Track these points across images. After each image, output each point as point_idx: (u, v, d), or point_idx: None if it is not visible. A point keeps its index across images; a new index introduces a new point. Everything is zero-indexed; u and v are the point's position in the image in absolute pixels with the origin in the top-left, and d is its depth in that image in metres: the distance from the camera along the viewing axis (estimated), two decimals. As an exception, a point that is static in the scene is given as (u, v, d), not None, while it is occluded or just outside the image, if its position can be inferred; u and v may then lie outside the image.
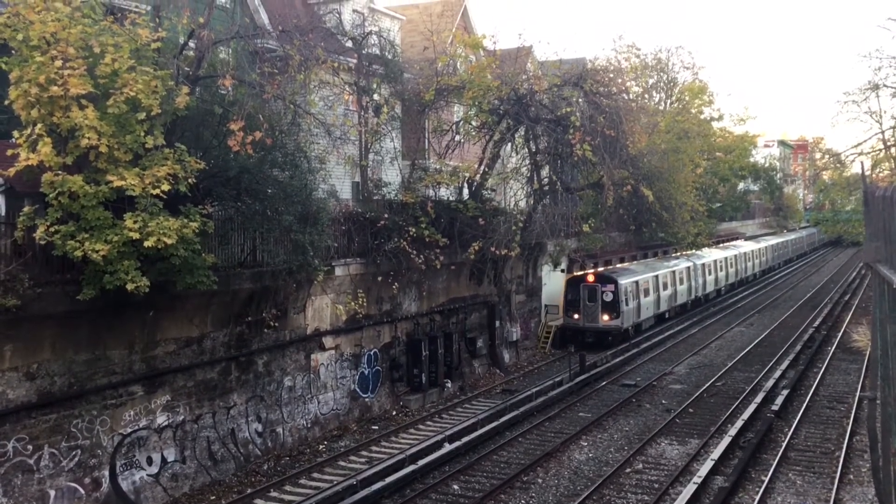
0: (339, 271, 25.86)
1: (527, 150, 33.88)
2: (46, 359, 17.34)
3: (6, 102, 16.21)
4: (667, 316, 48.65)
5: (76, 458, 17.96)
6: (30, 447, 17.01)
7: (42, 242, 16.24)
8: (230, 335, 22.03)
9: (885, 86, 41.23)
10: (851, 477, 21.75)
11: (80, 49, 16.17)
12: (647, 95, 63.78)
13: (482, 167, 33.52)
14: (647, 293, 44.22)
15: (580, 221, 35.33)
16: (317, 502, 19.10)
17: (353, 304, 26.02)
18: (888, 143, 43.79)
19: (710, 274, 56.93)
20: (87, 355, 18.19)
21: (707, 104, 66.46)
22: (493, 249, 30.85)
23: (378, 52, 29.93)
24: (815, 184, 74.02)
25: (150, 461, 19.78)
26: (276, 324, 23.28)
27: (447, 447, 23.56)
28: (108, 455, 18.73)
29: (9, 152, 16.17)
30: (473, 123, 32.81)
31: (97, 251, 15.87)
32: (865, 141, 43.95)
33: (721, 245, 66.18)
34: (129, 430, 19.25)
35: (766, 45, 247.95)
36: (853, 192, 51.34)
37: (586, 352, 36.19)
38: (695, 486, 19.99)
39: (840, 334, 44.02)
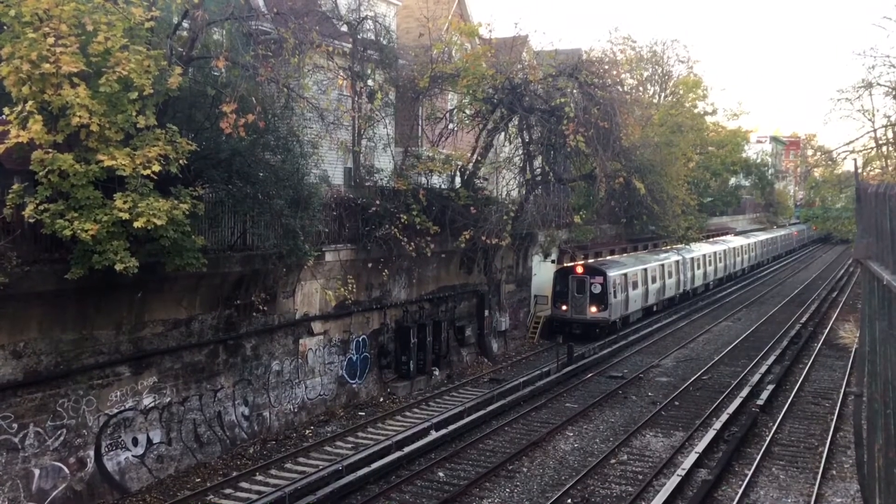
0: (329, 257, 25.81)
1: (520, 139, 33.83)
2: (33, 337, 17.26)
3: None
4: (655, 309, 48.80)
5: (61, 438, 17.91)
6: (15, 426, 16.94)
7: (31, 220, 16.13)
8: (218, 318, 21.97)
9: (878, 84, 41.24)
10: (834, 472, 21.89)
11: (73, 26, 16.01)
12: (641, 88, 63.82)
13: (475, 156, 33.45)
14: (635, 286, 44.31)
15: (572, 212, 35.32)
16: (302, 487, 19.11)
17: (342, 289, 25.97)
18: (880, 142, 43.92)
19: (698, 268, 57.08)
20: (74, 335, 18.12)
21: (701, 98, 66.57)
22: (484, 238, 30.82)
23: (373, 37, 29.76)
24: (806, 180, 74.34)
25: (135, 442, 19.74)
26: (265, 308, 23.22)
27: (433, 434, 23.62)
28: (94, 435, 18.68)
29: (-2, 129, 16.04)
30: (467, 112, 32.73)
31: (86, 230, 15.78)
32: (858, 139, 44.26)
33: (710, 240, 66.36)
34: (115, 411, 19.21)
35: (761, 42, 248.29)
36: (844, 190, 51.53)
37: (574, 343, 36.31)
38: (678, 479, 20.10)
39: (826, 331, 44.26)
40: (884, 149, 44.54)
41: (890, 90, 41.08)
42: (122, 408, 19.41)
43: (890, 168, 43.84)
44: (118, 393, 19.30)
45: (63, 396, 17.96)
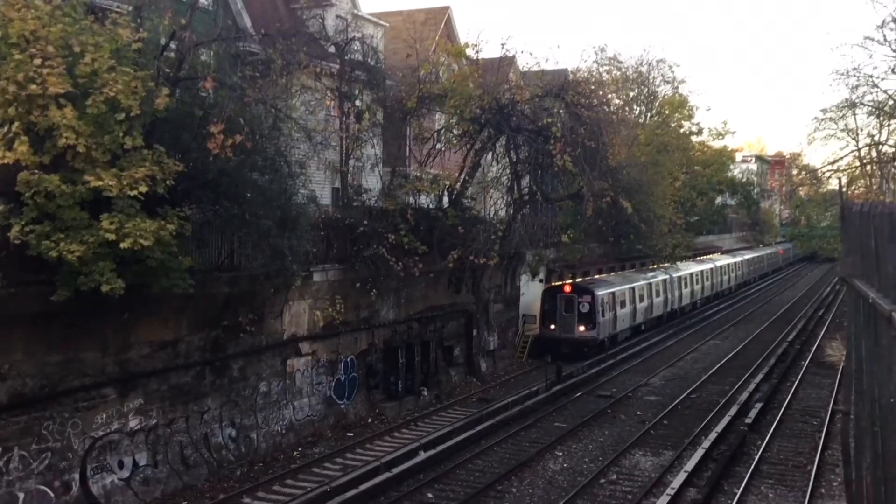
0: (317, 277, 25.75)
1: (507, 159, 33.94)
2: (18, 360, 17.09)
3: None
4: (643, 328, 48.84)
5: (46, 461, 17.71)
6: (-1, 449, 16.77)
7: (16, 242, 16.02)
8: (206, 339, 21.85)
9: (861, 104, 41.66)
10: (823, 490, 21.90)
11: (60, 48, 16.03)
12: (627, 108, 64.17)
13: (463, 175, 33.54)
14: (623, 305, 44.38)
15: (559, 232, 35.44)
16: (290, 509, 18.97)
17: (330, 310, 25.90)
18: (864, 161, 44.29)
19: (686, 287, 57.25)
20: (60, 357, 17.96)
21: (686, 118, 66.97)
22: (472, 258, 30.84)
23: (361, 58, 29.89)
24: (792, 199, 74.71)
25: (121, 465, 19.54)
26: (253, 328, 23.12)
27: (422, 455, 23.49)
28: (79, 458, 18.48)
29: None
30: (455, 132, 32.81)
31: (72, 252, 15.70)
32: (842, 158, 44.42)
33: (698, 258, 66.63)
34: (100, 434, 19.01)
35: (745, 62, 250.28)
36: (829, 208, 51.90)
37: (563, 362, 36.25)
38: (668, 498, 20.07)
39: (814, 349, 44.34)
40: (868, 168, 44.93)
41: (873, 109, 41.51)
42: (108, 430, 19.22)
43: (874, 187, 44.25)
44: (104, 415, 19.11)
45: (48, 419, 17.77)
